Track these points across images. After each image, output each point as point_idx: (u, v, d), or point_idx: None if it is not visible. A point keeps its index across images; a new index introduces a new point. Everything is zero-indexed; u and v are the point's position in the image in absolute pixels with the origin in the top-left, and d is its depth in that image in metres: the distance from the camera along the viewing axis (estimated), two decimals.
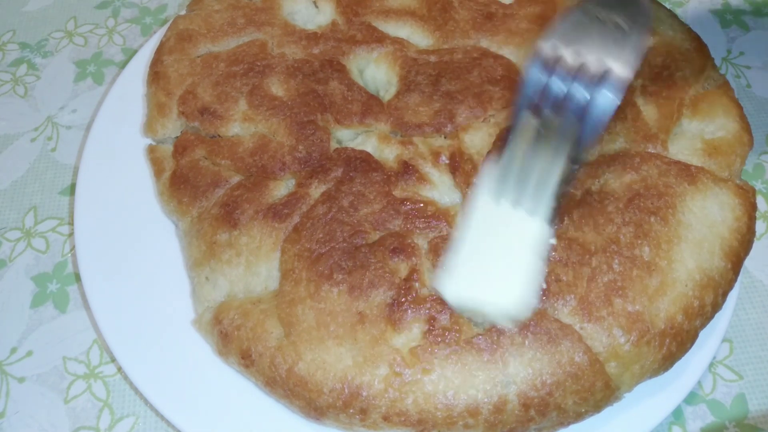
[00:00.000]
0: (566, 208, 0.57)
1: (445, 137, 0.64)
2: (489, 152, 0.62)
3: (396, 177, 0.61)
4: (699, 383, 0.66)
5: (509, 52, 0.70)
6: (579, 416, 0.54)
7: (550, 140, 0.50)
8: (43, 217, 0.78)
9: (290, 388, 0.55)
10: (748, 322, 0.70)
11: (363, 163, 0.62)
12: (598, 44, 0.48)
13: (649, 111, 0.64)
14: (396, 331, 0.54)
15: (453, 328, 0.54)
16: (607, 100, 0.47)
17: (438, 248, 0.57)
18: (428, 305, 0.55)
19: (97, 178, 0.71)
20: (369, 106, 0.66)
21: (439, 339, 0.54)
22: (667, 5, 0.94)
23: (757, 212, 0.62)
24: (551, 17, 0.71)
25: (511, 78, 0.67)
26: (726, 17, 0.95)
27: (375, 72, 0.70)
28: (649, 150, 0.62)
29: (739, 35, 0.92)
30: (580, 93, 0.48)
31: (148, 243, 0.67)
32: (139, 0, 0.98)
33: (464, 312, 0.54)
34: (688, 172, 0.60)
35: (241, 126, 0.67)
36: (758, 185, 0.79)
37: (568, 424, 0.55)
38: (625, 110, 0.64)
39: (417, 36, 0.72)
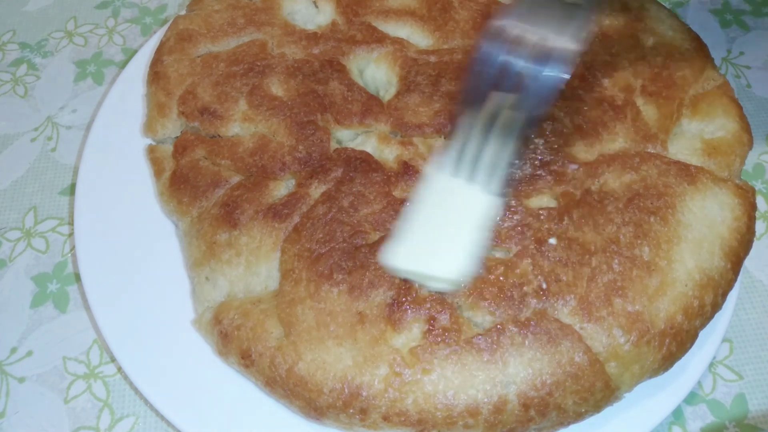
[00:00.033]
0: (516, 181, 0.58)
1: (445, 137, 0.64)
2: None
3: (396, 177, 0.61)
4: (699, 383, 0.66)
5: None
6: (579, 416, 0.54)
7: (500, 116, 0.52)
8: (43, 217, 0.78)
9: (290, 388, 0.55)
10: (748, 322, 0.70)
11: (363, 163, 0.62)
12: (549, 21, 0.50)
13: (648, 111, 0.64)
14: (396, 331, 0.54)
15: (453, 328, 0.54)
16: (554, 73, 0.48)
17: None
18: (428, 305, 0.55)
19: (97, 178, 0.71)
20: (369, 106, 0.66)
21: (439, 339, 0.54)
22: (667, 5, 0.94)
23: (757, 212, 0.62)
24: None
25: None
26: (726, 17, 0.95)
27: (375, 72, 0.70)
28: (649, 150, 0.62)
29: (739, 35, 0.92)
30: (529, 68, 0.49)
31: (148, 243, 0.67)
32: (139, 0, 0.98)
33: (408, 277, 0.55)
34: (687, 172, 0.60)
35: (241, 126, 0.67)
36: (758, 185, 0.79)
37: (568, 424, 0.55)
38: (624, 110, 0.64)
39: (417, 36, 0.72)
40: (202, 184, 0.64)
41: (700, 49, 0.69)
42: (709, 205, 0.59)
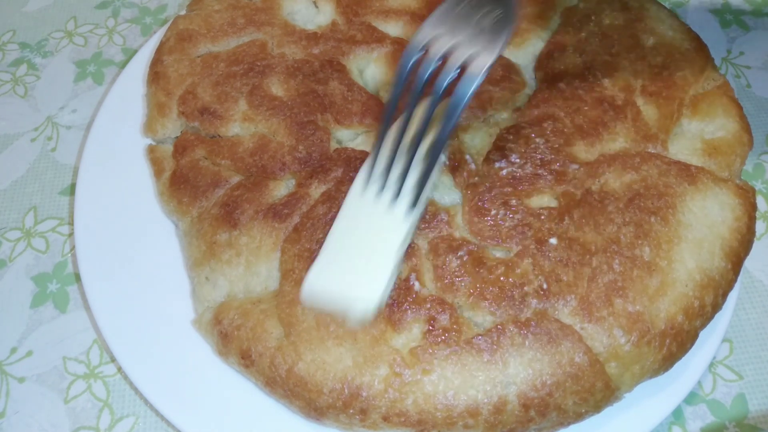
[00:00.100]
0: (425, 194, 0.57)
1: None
2: (489, 152, 0.62)
3: None
4: (699, 383, 0.66)
5: (509, 53, 0.70)
6: (579, 416, 0.54)
7: (415, 124, 0.52)
8: (43, 217, 0.78)
9: (290, 389, 0.55)
10: (748, 322, 0.70)
11: (363, 163, 0.62)
12: (465, 32, 0.50)
13: (649, 111, 0.64)
14: (396, 331, 0.54)
15: (453, 329, 0.54)
16: (467, 83, 0.49)
17: (438, 248, 0.57)
18: (428, 305, 0.55)
19: (97, 178, 0.71)
20: (369, 106, 0.66)
21: (439, 339, 0.54)
22: (667, 5, 0.94)
23: (757, 212, 0.62)
24: (551, 17, 0.72)
25: (511, 78, 0.67)
26: (726, 17, 0.95)
27: (375, 72, 0.70)
28: (649, 150, 0.62)
29: (739, 35, 0.92)
30: (444, 77, 0.50)
31: (148, 243, 0.67)
32: (139, 0, 0.98)
33: (324, 308, 0.54)
34: (688, 172, 0.60)
35: (241, 126, 0.67)
36: (758, 185, 0.79)
37: (568, 424, 0.55)
38: (625, 110, 0.64)
39: None
40: (202, 184, 0.64)
41: (700, 49, 0.69)
42: (709, 206, 0.59)
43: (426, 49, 0.51)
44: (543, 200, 0.60)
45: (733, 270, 0.58)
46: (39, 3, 0.98)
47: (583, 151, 0.62)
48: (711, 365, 0.67)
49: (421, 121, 0.52)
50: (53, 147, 0.83)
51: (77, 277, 0.73)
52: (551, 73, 0.67)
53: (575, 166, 0.61)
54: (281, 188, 0.63)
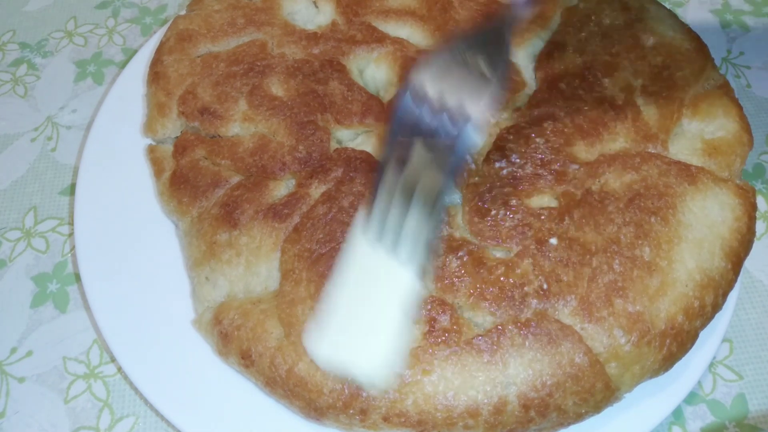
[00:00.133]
0: (435, 254, 0.56)
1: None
2: (489, 152, 0.62)
3: None
4: (699, 383, 0.66)
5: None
6: (579, 417, 0.54)
7: (420, 180, 0.50)
8: (43, 217, 0.78)
9: (290, 389, 0.55)
10: (748, 322, 0.70)
11: (363, 163, 0.62)
12: (461, 87, 0.49)
13: (649, 111, 0.64)
14: None
15: (453, 329, 0.54)
16: (470, 138, 0.48)
17: (437, 250, 0.57)
18: (428, 306, 0.55)
19: (97, 178, 0.71)
20: (369, 106, 0.66)
21: (439, 340, 0.53)
22: (667, 5, 0.94)
23: (757, 212, 0.62)
24: (551, 17, 0.72)
25: (512, 78, 0.67)
26: (726, 17, 0.95)
27: (375, 72, 0.70)
28: (649, 150, 0.62)
29: (739, 35, 0.92)
30: (448, 128, 0.49)
31: (148, 243, 0.67)
32: (139, 0, 0.98)
33: (334, 373, 0.53)
34: (688, 172, 0.60)
35: (241, 126, 0.67)
36: (758, 185, 0.79)
37: (568, 424, 0.55)
38: (625, 110, 0.64)
39: (417, 36, 0.72)
40: (202, 184, 0.64)
41: (700, 49, 0.69)
42: (709, 206, 0.59)
43: (421, 95, 0.49)
44: (543, 200, 0.60)
45: (733, 270, 0.58)
46: (39, 3, 0.98)
47: (583, 151, 0.62)
48: (711, 365, 0.67)
49: (420, 167, 0.50)
50: (53, 147, 0.83)
51: (77, 277, 0.73)
52: (551, 73, 0.67)
53: (575, 166, 0.61)
54: (281, 188, 0.63)
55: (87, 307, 0.71)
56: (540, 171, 0.60)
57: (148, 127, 0.70)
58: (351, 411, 0.53)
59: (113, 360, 0.68)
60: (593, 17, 0.70)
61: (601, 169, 0.60)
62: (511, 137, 0.62)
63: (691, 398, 0.65)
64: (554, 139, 0.62)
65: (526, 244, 0.57)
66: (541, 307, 0.54)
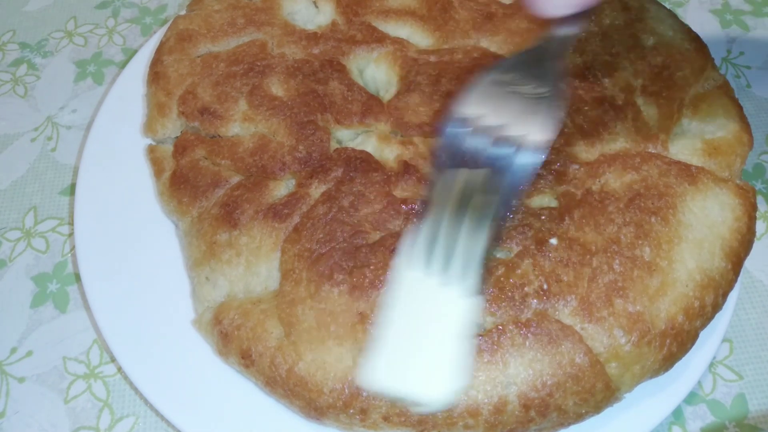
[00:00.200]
0: (490, 274, 0.55)
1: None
2: None
3: (396, 177, 0.61)
4: (699, 383, 0.66)
5: (510, 52, 0.70)
6: (579, 417, 0.54)
7: (472, 201, 0.49)
8: (43, 217, 0.78)
9: (290, 388, 0.55)
10: (748, 322, 0.70)
11: (363, 163, 0.62)
12: (512, 113, 0.48)
13: (649, 111, 0.64)
14: None
15: None
16: (528, 158, 0.47)
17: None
18: None
19: (97, 178, 0.71)
20: (369, 106, 0.66)
21: None
22: (667, 5, 0.94)
23: (757, 212, 0.62)
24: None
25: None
26: (726, 17, 0.95)
27: (375, 72, 0.70)
28: (650, 150, 0.62)
29: (739, 35, 0.92)
30: (501, 152, 0.48)
31: (148, 243, 0.67)
32: (139, 0, 0.98)
33: (392, 401, 0.52)
34: (688, 172, 0.60)
35: (241, 126, 0.67)
36: (758, 185, 0.79)
37: (569, 424, 0.55)
38: (625, 110, 0.64)
39: (417, 36, 0.72)
40: (202, 184, 0.64)
41: (700, 49, 0.69)
42: (709, 206, 0.59)
43: (467, 120, 0.48)
44: (543, 200, 0.60)
45: (733, 270, 0.58)
46: (39, 3, 0.98)
47: (584, 151, 0.62)
48: (711, 365, 0.67)
49: (471, 190, 0.49)
50: (53, 147, 0.83)
51: (77, 277, 0.73)
52: None
53: (575, 166, 0.61)
54: (281, 188, 0.63)
55: (87, 307, 0.71)
56: (540, 171, 0.60)
57: (148, 127, 0.70)
58: (351, 411, 0.53)
59: (113, 360, 0.68)
60: (593, 17, 0.71)
61: (601, 169, 0.60)
62: None
63: (691, 398, 0.65)
64: (554, 139, 0.62)
65: (526, 244, 0.57)
66: (541, 307, 0.54)
